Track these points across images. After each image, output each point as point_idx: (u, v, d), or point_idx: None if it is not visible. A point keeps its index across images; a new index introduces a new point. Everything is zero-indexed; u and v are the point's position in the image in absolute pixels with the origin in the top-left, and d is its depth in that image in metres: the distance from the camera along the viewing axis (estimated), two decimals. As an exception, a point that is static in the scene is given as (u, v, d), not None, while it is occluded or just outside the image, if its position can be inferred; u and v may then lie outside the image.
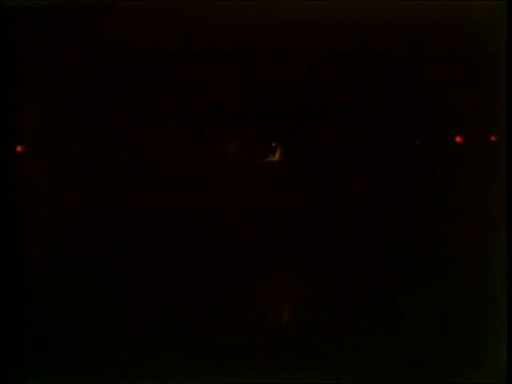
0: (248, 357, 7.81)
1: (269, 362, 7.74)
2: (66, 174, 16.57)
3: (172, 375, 7.47)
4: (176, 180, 15.83)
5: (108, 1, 12.91)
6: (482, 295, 9.44)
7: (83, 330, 9.60)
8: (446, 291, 10.25)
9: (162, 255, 13.86)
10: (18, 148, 15.60)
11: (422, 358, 7.39)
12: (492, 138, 15.93)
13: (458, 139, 16.36)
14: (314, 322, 9.94)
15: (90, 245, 15.19)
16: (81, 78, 15.62)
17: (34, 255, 11.67)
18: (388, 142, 16.29)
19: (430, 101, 15.29)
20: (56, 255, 14.06)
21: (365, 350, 7.95)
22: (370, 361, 7.60)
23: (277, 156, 16.59)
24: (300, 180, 15.40)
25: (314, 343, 8.41)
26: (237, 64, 15.76)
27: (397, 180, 14.94)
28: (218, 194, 13.46)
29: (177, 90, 16.02)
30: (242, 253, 11.89)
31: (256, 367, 7.56)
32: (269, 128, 16.58)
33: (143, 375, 7.63)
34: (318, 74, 15.68)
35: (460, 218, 13.29)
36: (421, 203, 14.99)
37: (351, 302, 10.76)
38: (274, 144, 17.03)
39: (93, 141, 16.37)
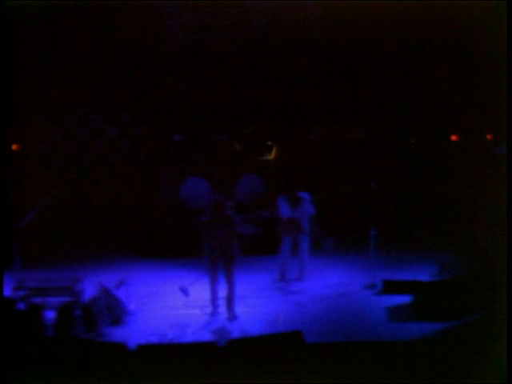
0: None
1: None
2: (57, 170, 16.61)
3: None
4: (170, 177, 15.80)
5: (107, 1, 12.84)
6: (481, 296, 9.44)
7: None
8: (445, 291, 10.24)
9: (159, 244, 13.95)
10: (14, 146, 15.67)
11: (422, 358, 7.36)
12: (488, 137, 16.00)
13: (454, 137, 16.41)
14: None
15: (80, 235, 15.31)
16: (78, 77, 15.60)
17: (27, 244, 11.64)
18: (385, 140, 16.29)
19: (430, 100, 15.28)
20: (48, 245, 14.08)
21: (363, 348, 7.93)
22: (369, 359, 7.58)
23: (273, 155, 16.56)
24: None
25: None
26: (234, 65, 15.73)
27: (394, 177, 14.95)
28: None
29: (173, 89, 16.01)
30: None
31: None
32: (264, 127, 16.50)
33: (143, 375, 7.61)
34: (316, 74, 15.63)
35: (459, 214, 13.32)
36: (418, 200, 15.00)
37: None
38: (269, 143, 16.99)
39: (85, 139, 16.42)
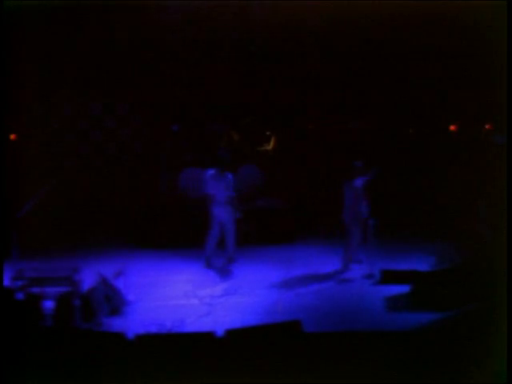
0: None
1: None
2: (53, 160, 16.67)
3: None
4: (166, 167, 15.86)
5: (107, 1, 12.83)
6: (479, 286, 9.45)
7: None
8: (443, 281, 10.25)
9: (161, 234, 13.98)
10: (12, 136, 15.71)
11: (422, 358, 7.35)
12: (487, 127, 16.04)
13: (452, 127, 16.44)
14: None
15: (78, 225, 15.37)
16: (75, 75, 15.65)
17: (25, 234, 11.66)
18: (383, 131, 16.31)
19: (428, 90, 15.31)
20: (46, 235, 14.12)
21: (361, 338, 7.93)
22: (367, 349, 7.58)
23: (271, 145, 16.58)
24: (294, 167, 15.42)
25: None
26: (234, 61, 15.73)
27: (391, 167, 14.97)
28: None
29: (172, 80, 16.04)
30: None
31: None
32: (263, 118, 16.49)
33: (141, 365, 7.62)
34: (315, 65, 15.64)
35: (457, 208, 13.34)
36: (417, 190, 15.02)
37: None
38: (268, 133, 16.98)
39: (84, 129, 16.48)
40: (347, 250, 11.51)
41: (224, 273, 11.61)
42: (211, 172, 11.77)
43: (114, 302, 9.92)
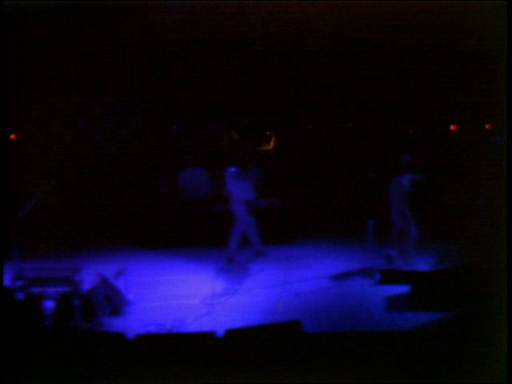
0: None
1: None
2: (53, 160, 16.68)
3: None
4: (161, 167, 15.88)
5: (107, 1, 12.84)
6: (479, 286, 9.45)
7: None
8: (442, 281, 10.25)
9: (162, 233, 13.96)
10: (12, 136, 15.72)
11: (422, 358, 7.35)
12: (486, 126, 16.04)
13: (453, 127, 16.43)
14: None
15: (78, 226, 15.33)
16: (75, 75, 15.66)
17: (26, 234, 11.66)
18: (383, 130, 16.31)
19: (428, 90, 15.33)
20: (46, 235, 14.11)
21: (361, 338, 7.93)
22: (367, 349, 7.58)
23: (271, 144, 16.56)
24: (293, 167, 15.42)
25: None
26: (232, 56, 15.75)
27: (391, 166, 14.96)
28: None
29: (172, 80, 16.06)
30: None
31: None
32: (263, 118, 16.49)
33: (141, 364, 7.63)
34: (314, 64, 15.65)
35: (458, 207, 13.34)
36: (416, 189, 14.99)
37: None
38: (268, 133, 16.97)
39: (83, 129, 16.50)
40: (405, 246, 11.51)
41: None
42: (232, 170, 12.09)
43: (114, 301, 9.93)
